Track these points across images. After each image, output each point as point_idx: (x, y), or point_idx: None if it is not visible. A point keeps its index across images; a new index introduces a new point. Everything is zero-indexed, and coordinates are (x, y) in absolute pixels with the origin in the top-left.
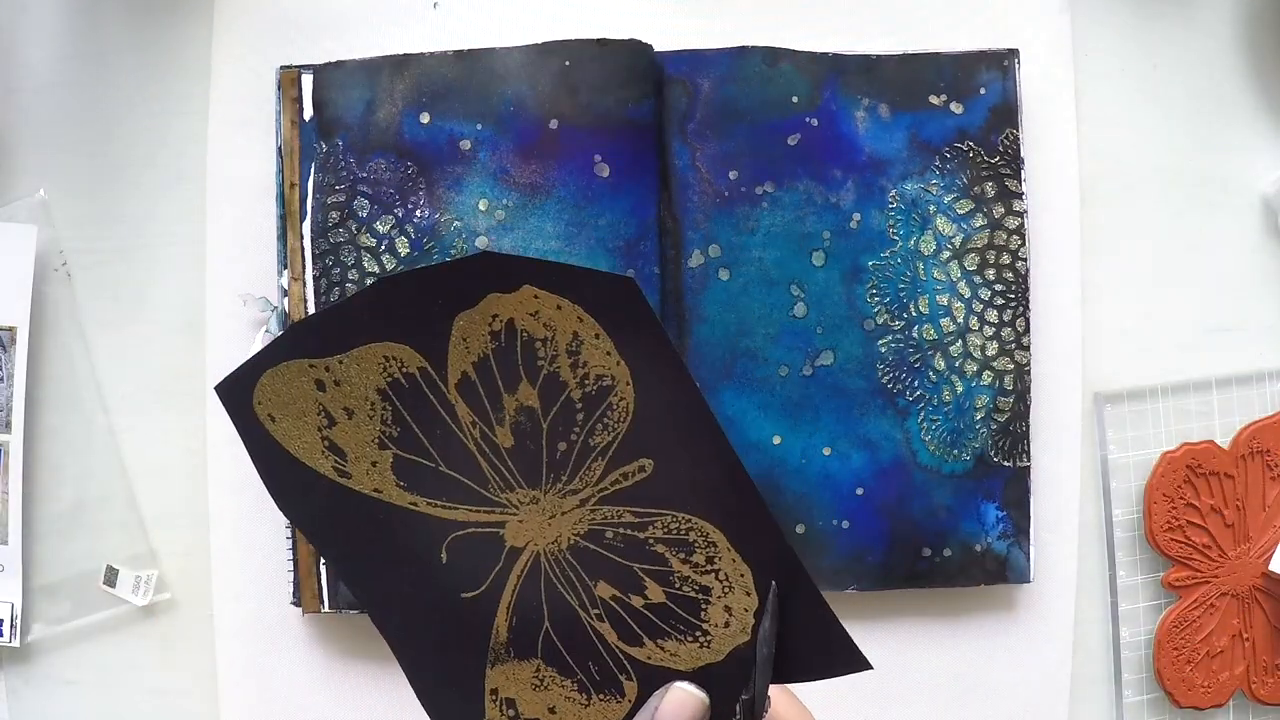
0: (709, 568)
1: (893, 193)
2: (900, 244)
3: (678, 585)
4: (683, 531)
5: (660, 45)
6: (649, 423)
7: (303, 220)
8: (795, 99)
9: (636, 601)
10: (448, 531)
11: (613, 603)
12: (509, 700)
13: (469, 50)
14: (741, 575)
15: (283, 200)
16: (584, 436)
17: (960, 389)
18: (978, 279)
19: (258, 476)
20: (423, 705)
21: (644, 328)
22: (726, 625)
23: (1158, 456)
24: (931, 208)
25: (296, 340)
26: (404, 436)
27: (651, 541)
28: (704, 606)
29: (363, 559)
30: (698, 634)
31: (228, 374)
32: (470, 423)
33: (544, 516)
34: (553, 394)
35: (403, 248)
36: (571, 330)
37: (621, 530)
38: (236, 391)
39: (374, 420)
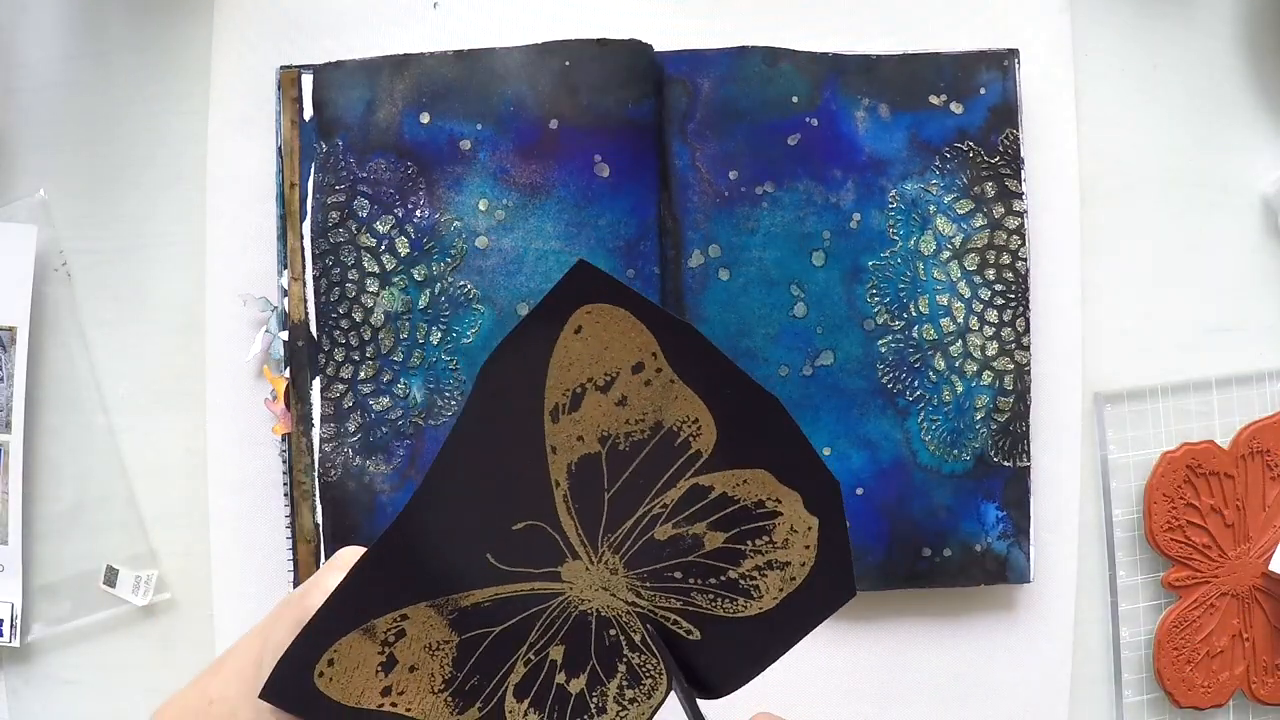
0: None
1: (893, 193)
2: (900, 244)
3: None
4: (737, 494)
5: (660, 45)
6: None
7: (303, 220)
8: (795, 99)
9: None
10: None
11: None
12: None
13: (469, 50)
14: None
15: (283, 200)
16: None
17: (960, 389)
18: (978, 279)
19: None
20: None
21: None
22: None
23: (1158, 456)
24: (931, 208)
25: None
26: (462, 675)
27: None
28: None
29: None
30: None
31: (275, 672)
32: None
33: (600, 578)
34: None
35: (403, 248)
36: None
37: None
38: (293, 685)
39: (436, 666)
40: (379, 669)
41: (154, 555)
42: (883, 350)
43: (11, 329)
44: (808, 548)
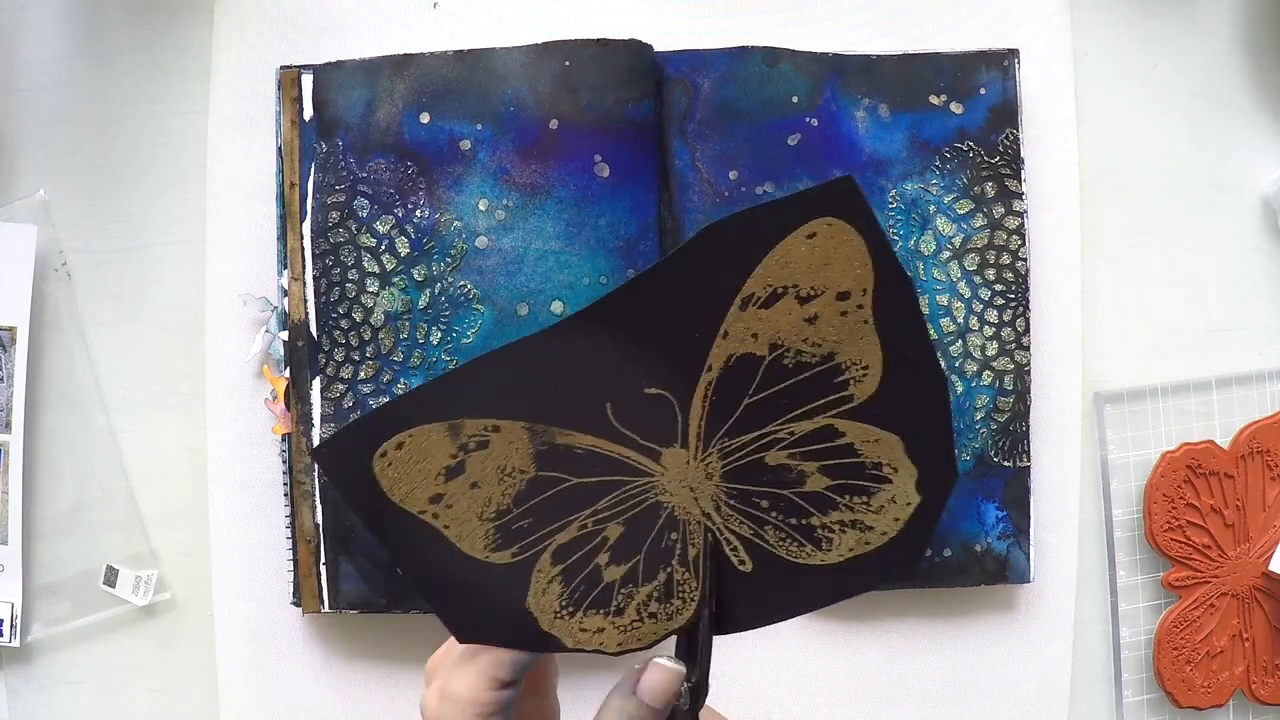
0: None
1: (893, 193)
2: (900, 244)
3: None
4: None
5: (660, 45)
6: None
7: (303, 220)
8: (795, 99)
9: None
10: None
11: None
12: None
13: (469, 50)
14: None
15: (283, 200)
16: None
17: (960, 389)
18: (978, 279)
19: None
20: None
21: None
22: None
23: (1158, 456)
24: (931, 208)
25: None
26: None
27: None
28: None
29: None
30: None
31: (340, 433)
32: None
33: (691, 471)
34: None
35: (403, 248)
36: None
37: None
38: (351, 452)
39: (499, 492)
40: (443, 472)
41: (154, 555)
42: None
43: (11, 329)
44: (897, 520)
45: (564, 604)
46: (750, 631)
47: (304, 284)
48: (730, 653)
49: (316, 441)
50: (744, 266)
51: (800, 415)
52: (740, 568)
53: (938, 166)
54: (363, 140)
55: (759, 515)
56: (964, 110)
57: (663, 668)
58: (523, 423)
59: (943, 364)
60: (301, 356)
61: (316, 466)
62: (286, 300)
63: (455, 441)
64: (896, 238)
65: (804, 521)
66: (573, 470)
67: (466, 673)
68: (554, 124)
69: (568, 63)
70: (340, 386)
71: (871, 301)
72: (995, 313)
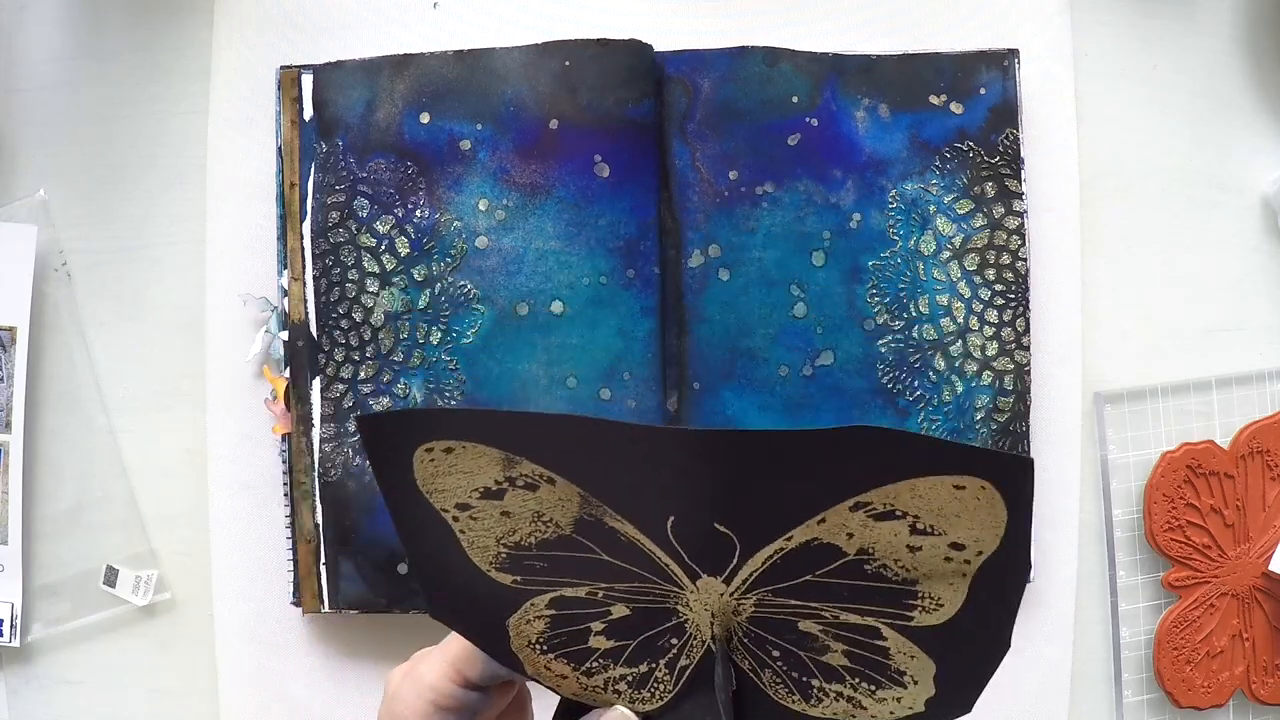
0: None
1: (893, 193)
2: (900, 244)
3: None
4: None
5: (660, 45)
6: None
7: (303, 220)
8: (795, 99)
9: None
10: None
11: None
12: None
13: (469, 50)
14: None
15: (283, 200)
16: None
17: (960, 389)
18: (978, 279)
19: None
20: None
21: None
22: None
23: (1158, 456)
24: (931, 208)
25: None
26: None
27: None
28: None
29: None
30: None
31: (392, 414)
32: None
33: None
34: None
35: (403, 248)
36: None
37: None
38: (399, 435)
39: (527, 531)
40: (481, 490)
41: (154, 555)
42: (883, 350)
43: (11, 329)
44: (891, 714)
45: (541, 641)
46: None
47: (304, 284)
48: None
49: (317, 443)
50: (879, 479)
51: (854, 610)
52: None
53: (938, 166)
54: (363, 140)
55: (765, 659)
56: (964, 110)
57: (620, 715)
58: (580, 490)
59: (1008, 627)
60: (301, 356)
61: (317, 469)
62: (286, 300)
63: (505, 472)
64: (896, 238)
65: (804, 679)
66: (608, 549)
67: (437, 660)
68: (554, 124)
69: (568, 63)
70: (340, 386)
71: (981, 564)
72: (995, 313)
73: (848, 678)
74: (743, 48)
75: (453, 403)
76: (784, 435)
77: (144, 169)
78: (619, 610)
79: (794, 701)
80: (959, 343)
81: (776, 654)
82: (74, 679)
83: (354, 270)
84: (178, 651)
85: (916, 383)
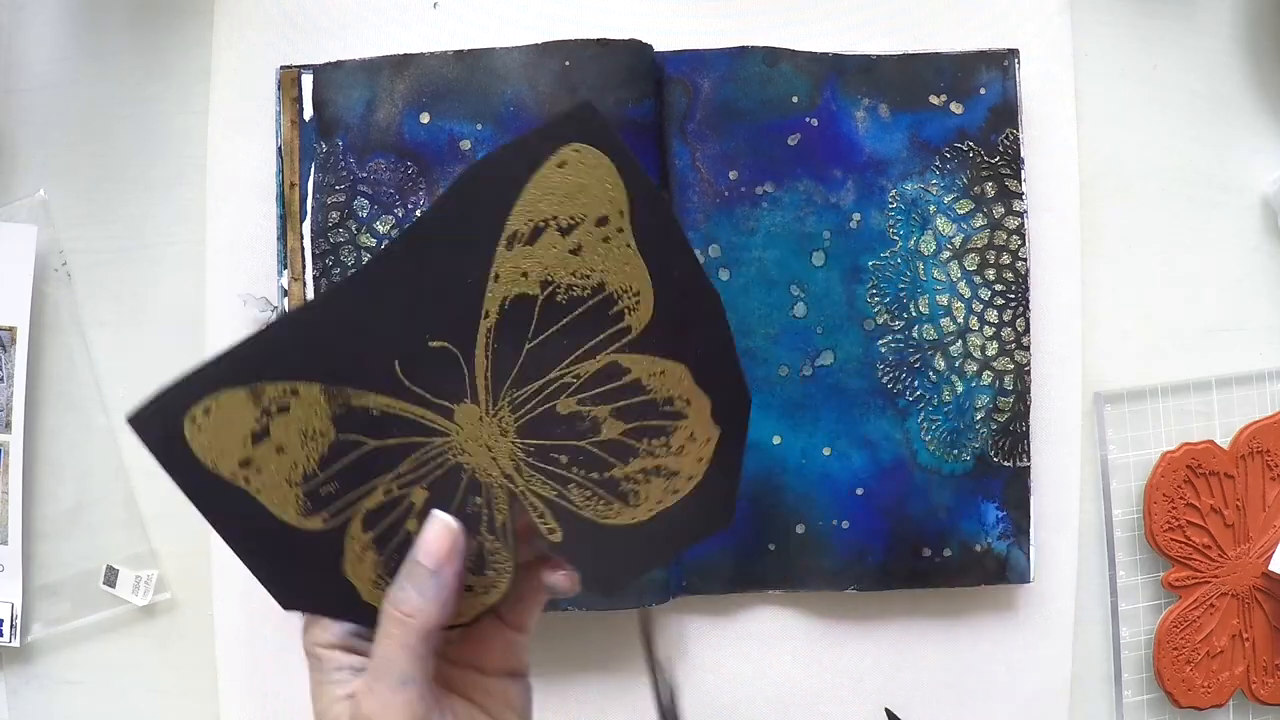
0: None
1: (893, 193)
2: (900, 244)
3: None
4: (648, 379)
5: (660, 45)
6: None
7: (303, 220)
8: (795, 99)
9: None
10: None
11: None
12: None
13: (469, 50)
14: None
15: (283, 200)
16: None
17: (960, 389)
18: (978, 279)
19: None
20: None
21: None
22: (686, 449)
23: (1158, 456)
24: (931, 208)
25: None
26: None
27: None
28: (669, 432)
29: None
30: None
31: (151, 400)
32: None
33: (487, 431)
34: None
35: None
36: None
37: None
38: (159, 422)
39: (303, 456)
40: (249, 437)
41: (154, 555)
42: (883, 350)
43: (11, 329)
44: (700, 460)
45: (380, 573)
46: (750, 631)
47: (304, 284)
48: (730, 653)
49: None
50: (503, 205)
51: (583, 355)
52: (550, 537)
53: (938, 166)
54: (363, 140)
55: (560, 474)
56: (964, 110)
57: (433, 520)
58: (319, 385)
59: (710, 282)
60: None
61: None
62: (286, 300)
63: (258, 405)
64: (896, 238)
65: (606, 475)
66: (371, 432)
67: (359, 684)
68: None
69: (568, 63)
70: None
71: (630, 223)
72: (995, 313)
73: (637, 444)
74: (743, 48)
75: None
76: (419, 222)
77: (144, 169)
78: (419, 495)
79: (618, 512)
80: (959, 343)
81: (564, 458)
82: (74, 679)
83: (354, 270)
84: (178, 651)
85: (916, 383)
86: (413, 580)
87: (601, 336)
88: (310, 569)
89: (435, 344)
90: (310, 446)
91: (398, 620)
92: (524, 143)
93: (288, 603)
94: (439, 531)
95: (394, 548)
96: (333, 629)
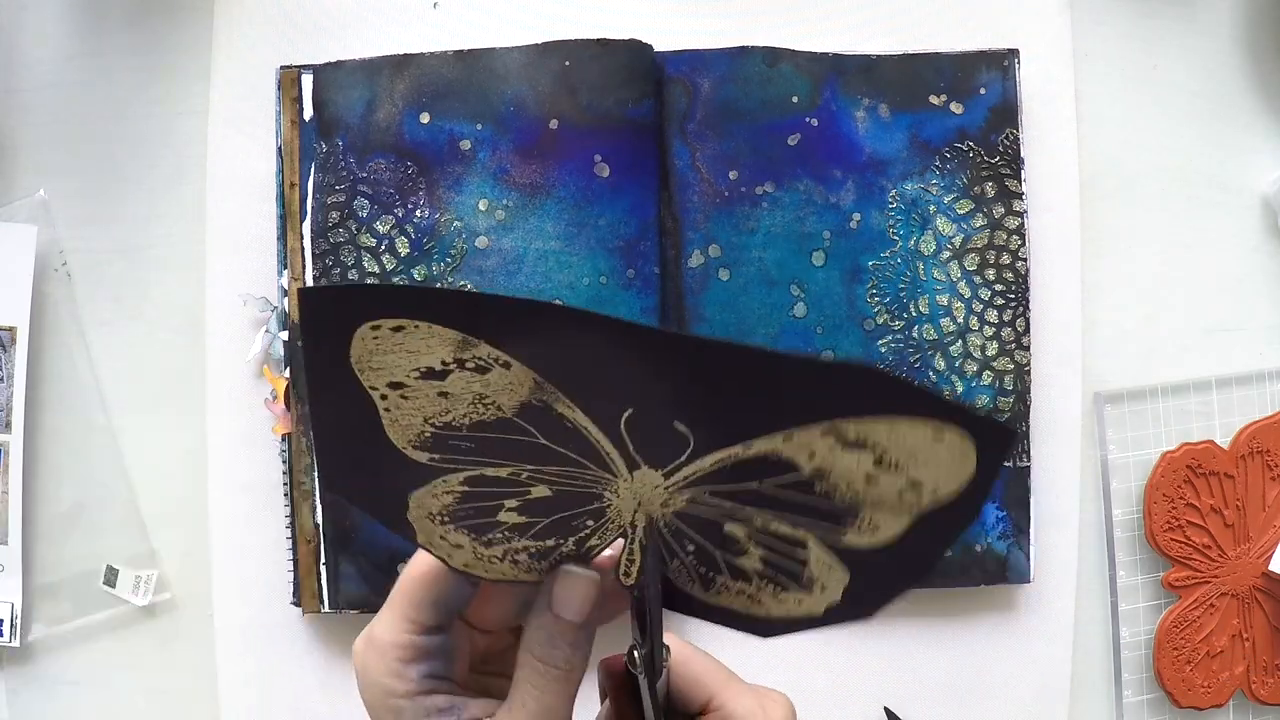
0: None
1: (893, 193)
2: (900, 244)
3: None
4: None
5: (660, 45)
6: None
7: (303, 220)
8: (795, 99)
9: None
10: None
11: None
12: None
13: (469, 50)
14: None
15: (283, 200)
16: None
17: (960, 389)
18: (978, 279)
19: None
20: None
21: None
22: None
23: (1158, 456)
24: (931, 208)
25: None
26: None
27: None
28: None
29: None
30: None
31: (340, 290)
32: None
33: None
34: None
35: (403, 248)
36: None
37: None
38: (335, 310)
39: (462, 412)
40: (422, 370)
41: (154, 555)
42: (883, 350)
43: (11, 329)
44: (786, 612)
45: (444, 513)
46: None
47: (304, 284)
48: (730, 653)
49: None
50: (860, 411)
51: (788, 520)
52: (623, 579)
53: (938, 166)
54: (363, 140)
55: (677, 550)
56: (964, 110)
57: (573, 576)
58: (535, 375)
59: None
60: (301, 357)
61: (317, 469)
62: (286, 300)
63: (457, 354)
64: (896, 238)
65: (710, 574)
66: (547, 433)
67: (387, 618)
68: (554, 124)
69: (568, 63)
70: None
71: (929, 505)
72: (995, 313)
73: (755, 579)
74: (743, 48)
75: None
76: (777, 356)
77: (144, 169)
78: (539, 491)
79: (692, 587)
80: (959, 343)
81: (692, 548)
82: (74, 679)
83: (354, 270)
84: (178, 651)
85: (917, 382)
86: (564, 636)
87: (818, 524)
88: (379, 475)
89: (681, 429)
90: (477, 409)
91: (561, 678)
92: (935, 401)
93: (332, 487)
94: (585, 588)
95: (474, 508)
96: (409, 676)
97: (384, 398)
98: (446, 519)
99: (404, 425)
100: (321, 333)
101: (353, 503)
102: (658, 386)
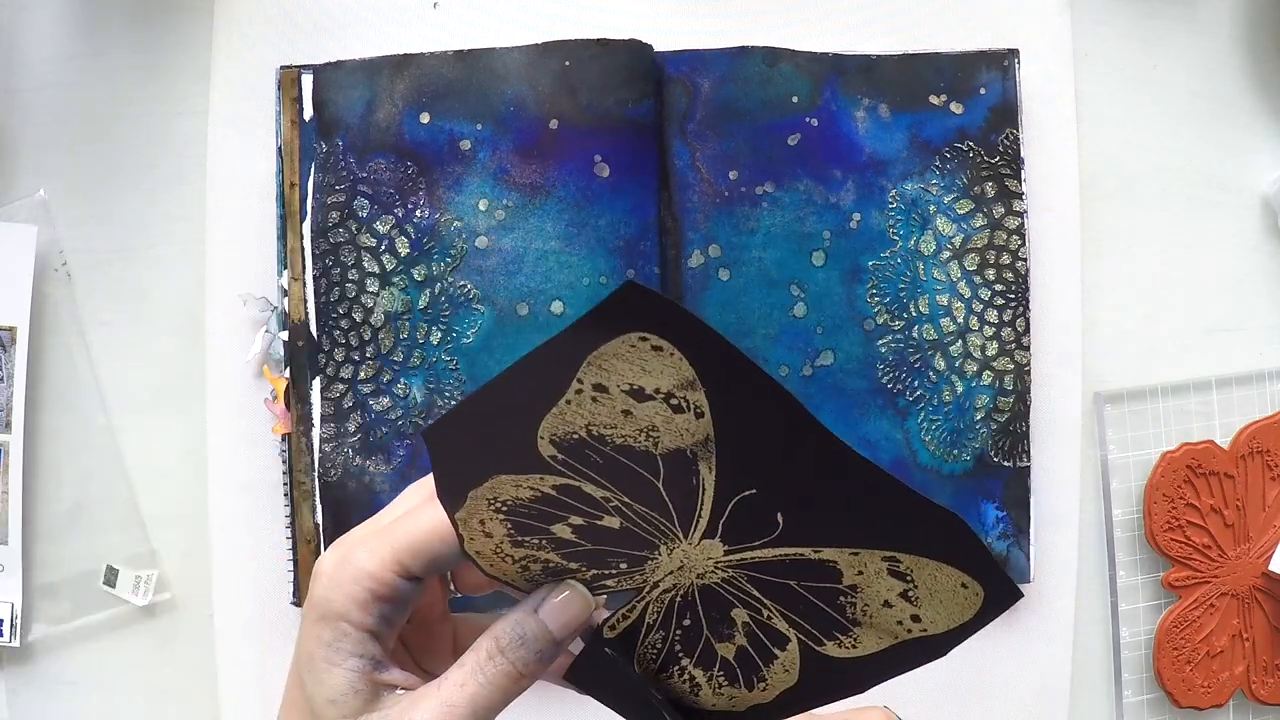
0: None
1: (893, 193)
2: (900, 244)
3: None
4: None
5: (660, 45)
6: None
7: (303, 220)
8: (795, 99)
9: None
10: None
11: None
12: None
13: (469, 50)
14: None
15: (283, 200)
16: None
17: (960, 389)
18: (978, 279)
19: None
20: None
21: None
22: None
23: (1158, 456)
24: (931, 208)
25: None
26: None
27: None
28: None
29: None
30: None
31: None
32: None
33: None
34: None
35: (403, 248)
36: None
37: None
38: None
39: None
40: (632, 389)
41: (154, 555)
42: (883, 350)
43: (11, 329)
44: (765, 693)
45: (508, 504)
46: None
47: (304, 284)
48: None
49: (317, 443)
50: (922, 550)
51: (789, 619)
52: (608, 630)
53: (938, 166)
54: (363, 140)
55: (671, 622)
56: (964, 110)
57: (576, 595)
58: (712, 434)
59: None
60: (301, 356)
61: (317, 469)
62: (286, 300)
63: (674, 388)
64: (896, 238)
65: (678, 653)
66: (670, 482)
67: (378, 548)
68: (554, 124)
69: (568, 63)
70: (340, 386)
71: (915, 637)
72: (995, 313)
73: (716, 669)
74: (743, 48)
75: (452, 403)
76: (898, 486)
77: (144, 169)
78: (609, 520)
79: (649, 662)
80: (959, 343)
81: (687, 624)
82: (74, 679)
83: (354, 270)
84: (178, 651)
85: (916, 383)
86: (537, 642)
87: (811, 629)
88: (490, 447)
89: (778, 520)
90: (636, 438)
91: (514, 677)
92: (981, 555)
93: (434, 434)
94: (580, 611)
95: (542, 512)
96: (370, 610)
97: (579, 392)
98: (505, 509)
99: (565, 421)
100: (605, 322)
101: (437, 451)
102: (784, 472)
